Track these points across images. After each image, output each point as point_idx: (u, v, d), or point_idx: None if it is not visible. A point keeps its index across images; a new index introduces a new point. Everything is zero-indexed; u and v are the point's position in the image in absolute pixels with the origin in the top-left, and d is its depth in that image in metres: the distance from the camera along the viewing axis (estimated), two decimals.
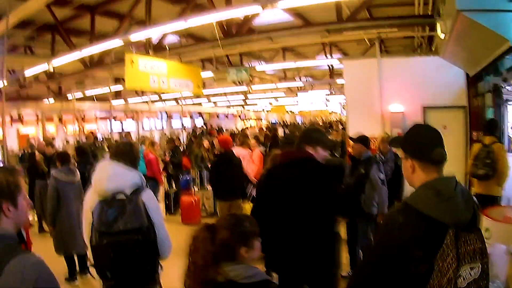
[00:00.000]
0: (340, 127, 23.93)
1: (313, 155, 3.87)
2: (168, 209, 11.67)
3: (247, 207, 8.31)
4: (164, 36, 13.83)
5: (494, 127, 7.56)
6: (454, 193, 2.19)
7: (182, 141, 18.69)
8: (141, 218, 3.28)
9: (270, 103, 38.22)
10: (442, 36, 8.04)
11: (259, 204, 4.03)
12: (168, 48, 13.23)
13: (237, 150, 9.56)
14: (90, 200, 3.48)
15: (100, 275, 3.36)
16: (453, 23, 6.56)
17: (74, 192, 6.96)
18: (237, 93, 29.86)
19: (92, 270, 3.45)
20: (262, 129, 21.38)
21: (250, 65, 20.32)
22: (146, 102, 28.27)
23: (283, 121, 41.70)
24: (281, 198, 3.69)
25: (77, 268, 7.18)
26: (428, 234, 2.13)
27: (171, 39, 15.08)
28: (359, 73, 12.22)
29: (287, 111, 40.52)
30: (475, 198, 2.40)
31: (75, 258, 7.10)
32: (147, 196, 3.48)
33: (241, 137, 11.43)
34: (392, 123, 11.62)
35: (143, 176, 3.69)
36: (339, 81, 22.85)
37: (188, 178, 12.73)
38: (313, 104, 26.23)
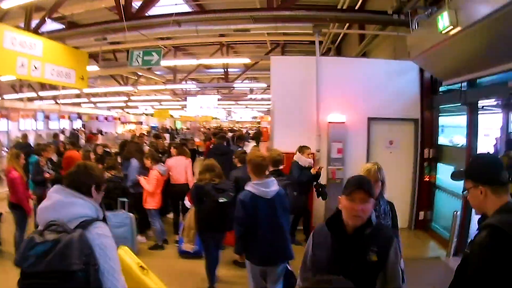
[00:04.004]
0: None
1: None
2: None
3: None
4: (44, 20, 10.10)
5: None
6: None
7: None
8: (75, 260, 2.27)
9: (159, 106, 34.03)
10: (448, 28, 5.73)
11: None
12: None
13: (176, 160, 8.47)
14: None
15: None
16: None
17: None
18: (118, 94, 25.48)
19: None
20: (144, 134, 16.54)
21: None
22: (22, 99, 23.42)
23: (170, 127, 37.66)
24: None
25: None
26: None
27: (54, 26, 11.34)
28: (291, 73, 9.20)
29: (170, 115, 36.32)
30: None
31: None
32: (96, 231, 2.46)
33: (177, 146, 9.10)
34: (332, 135, 8.80)
35: (98, 207, 2.65)
36: (236, 85, 19.79)
37: None
38: (202, 109, 22.57)
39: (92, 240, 2.42)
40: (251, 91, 26.35)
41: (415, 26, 7.60)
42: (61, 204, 2.53)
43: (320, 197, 7.82)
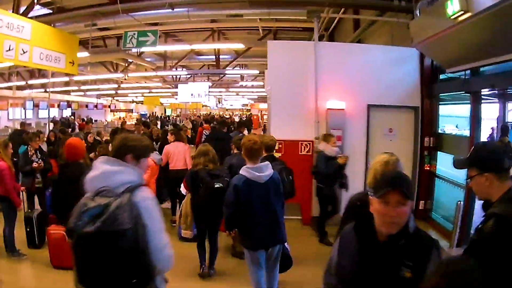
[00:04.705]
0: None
1: None
2: (31, 241, 7.01)
3: None
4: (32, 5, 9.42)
5: (507, 130, 8.04)
6: None
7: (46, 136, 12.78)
8: (126, 220, 2.51)
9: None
10: (458, 14, 5.48)
11: None
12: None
13: (175, 146, 8.27)
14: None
15: (81, 283, 2.62)
16: None
17: None
18: (108, 81, 24.89)
19: None
20: (139, 124, 15.76)
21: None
22: (10, 87, 22.55)
23: (162, 114, 37.05)
24: None
25: None
26: None
27: (43, 12, 10.73)
28: (288, 58, 8.79)
29: (160, 103, 35.69)
30: None
31: None
32: (141, 195, 2.68)
33: (175, 132, 8.95)
34: (331, 123, 8.47)
35: (142, 173, 2.89)
36: (228, 72, 19.34)
37: None
38: (194, 96, 22.04)
39: (138, 203, 2.62)
40: (242, 78, 25.91)
41: (418, 12, 7.36)
42: (108, 173, 2.75)
43: (343, 188, 7.33)
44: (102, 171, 2.76)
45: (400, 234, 2.21)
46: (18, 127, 19.77)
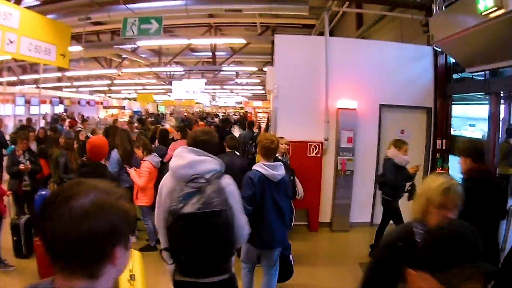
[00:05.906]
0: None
1: None
2: (17, 250, 6.25)
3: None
4: None
5: None
6: None
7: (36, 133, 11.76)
8: (219, 202, 2.94)
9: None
10: (491, 10, 5.03)
11: None
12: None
13: (182, 144, 6.45)
14: (168, 185, 3.13)
15: (174, 257, 3.00)
16: None
17: None
18: (101, 77, 24.15)
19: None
20: (131, 123, 14.59)
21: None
22: (1, 83, 22.02)
23: (158, 112, 36.18)
24: None
25: None
26: None
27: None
28: (297, 54, 8.11)
29: (154, 100, 34.72)
30: None
31: None
32: (226, 181, 3.11)
33: (181, 129, 8.24)
34: (342, 123, 7.89)
35: (222, 163, 3.23)
36: (225, 68, 18.73)
37: (44, 193, 7.26)
38: (188, 93, 21.32)
39: (225, 188, 3.02)
40: (237, 75, 25.27)
41: (436, 8, 6.92)
42: (194, 162, 3.06)
43: (409, 199, 6.21)
44: (190, 160, 3.07)
45: None
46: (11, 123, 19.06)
